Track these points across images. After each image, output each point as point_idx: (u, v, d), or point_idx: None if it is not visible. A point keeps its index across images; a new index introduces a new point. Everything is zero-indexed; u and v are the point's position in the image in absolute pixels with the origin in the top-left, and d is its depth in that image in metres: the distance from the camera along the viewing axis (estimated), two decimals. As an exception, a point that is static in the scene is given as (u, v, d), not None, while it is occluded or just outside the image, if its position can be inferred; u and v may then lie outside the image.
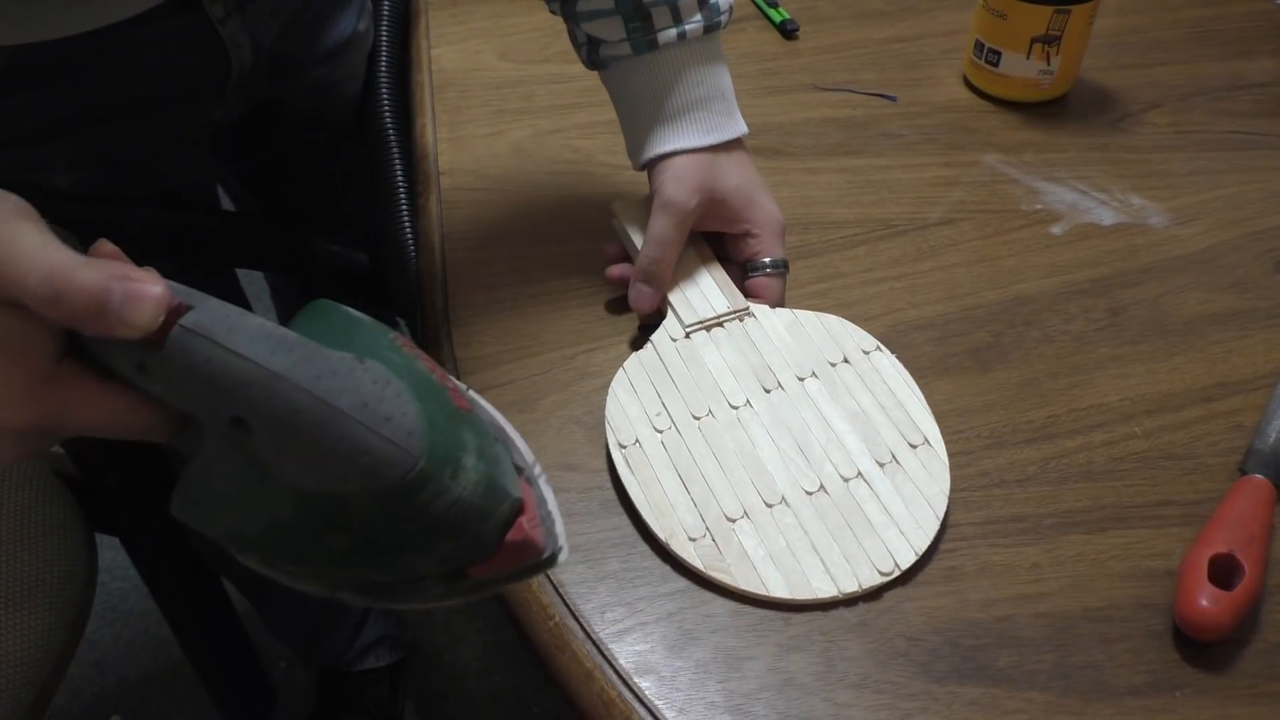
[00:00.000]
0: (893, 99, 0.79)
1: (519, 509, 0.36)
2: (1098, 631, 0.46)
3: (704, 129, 0.59)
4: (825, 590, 0.47)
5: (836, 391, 0.54)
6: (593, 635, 0.46)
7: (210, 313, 0.34)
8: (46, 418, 0.35)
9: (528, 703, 1.26)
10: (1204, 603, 0.45)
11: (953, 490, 0.52)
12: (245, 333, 0.34)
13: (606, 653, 0.46)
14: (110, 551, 0.89)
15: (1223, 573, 0.46)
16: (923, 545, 0.48)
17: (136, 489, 0.90)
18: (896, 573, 0.47)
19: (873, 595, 0.47)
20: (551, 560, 0.38)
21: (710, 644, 0.46)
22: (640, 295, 0.59)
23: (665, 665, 0.45)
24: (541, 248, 0.65)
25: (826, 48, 0.85)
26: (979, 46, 0.78)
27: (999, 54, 0.77)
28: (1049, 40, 0.75)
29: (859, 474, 0.51)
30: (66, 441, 0.90)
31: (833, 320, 0.58)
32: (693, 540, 0.48)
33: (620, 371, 0.55)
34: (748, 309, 0.58)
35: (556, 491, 0.51)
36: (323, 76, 0.80)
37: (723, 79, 0.60)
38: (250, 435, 0.33)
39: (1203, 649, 0.46)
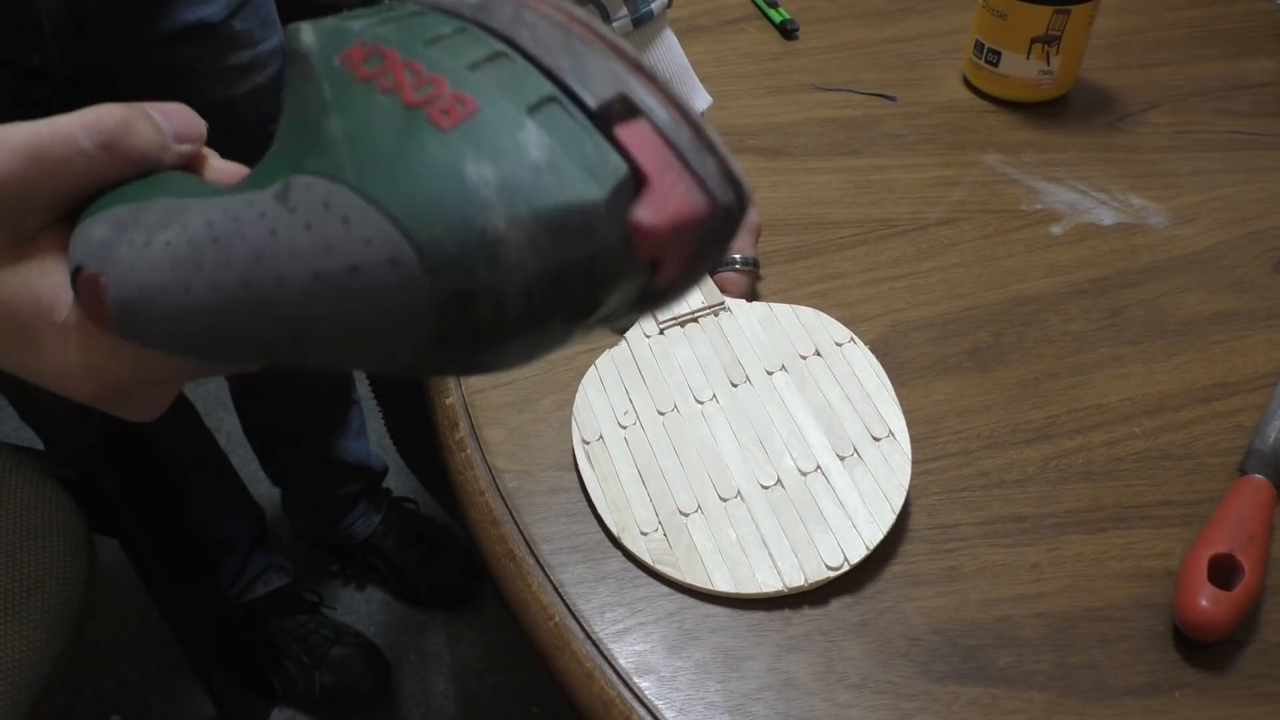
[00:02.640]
0: (893, 99, 0.79)
1: (621, 192, 0.23)
2: (1098, 631, 0.46)
3: None
4: (770, 585, 0.47)
5: (804, 385, 0.54)
6: (593, 635, 0.46)
7: None
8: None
9: (528, 703, 1.26)
10: (1204, 603, 0.45)
11: (953, 490, 0.52)
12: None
13: (606, 653, 0.46)
14: (110, 552, 0.89)
15: (1223, 573, 0.46)
16: (875, 540, 0.48)
17: (135, 490, 0.90)
18: (846, 567, 0.47)
19: (820, 590, 0.47)
20: (732, 211, 0.24)
21: (710, 644, 0.46)
22: None
23: (665, 665, 0.45)
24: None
25: (826, 48, 0.85)
26: (979, 46, 0.78)
27: (999, 54, 0.77)
28: (1049, 40, 0.75)
29: (818, 468, 0.50)
30: (66, 443, 0.90)
31: (808, 313, 0.57)
32: (644, 535, 0.48)
33: (591, 369, 0.55)
34: (723, 304, 0.58)
35: (554, 493, 0.52)
36: (179, 60, 0.80)
37: (673, 62, 0.60)
38: None
39: (1203, 649, 0.46)
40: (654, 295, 0.25)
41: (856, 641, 0.46)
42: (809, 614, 0.47)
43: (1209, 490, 0.52)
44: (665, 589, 0.48)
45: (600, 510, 0.50)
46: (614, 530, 0.49)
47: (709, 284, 0.59)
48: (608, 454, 0.52)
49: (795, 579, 0.47)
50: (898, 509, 0.49)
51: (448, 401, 0.56)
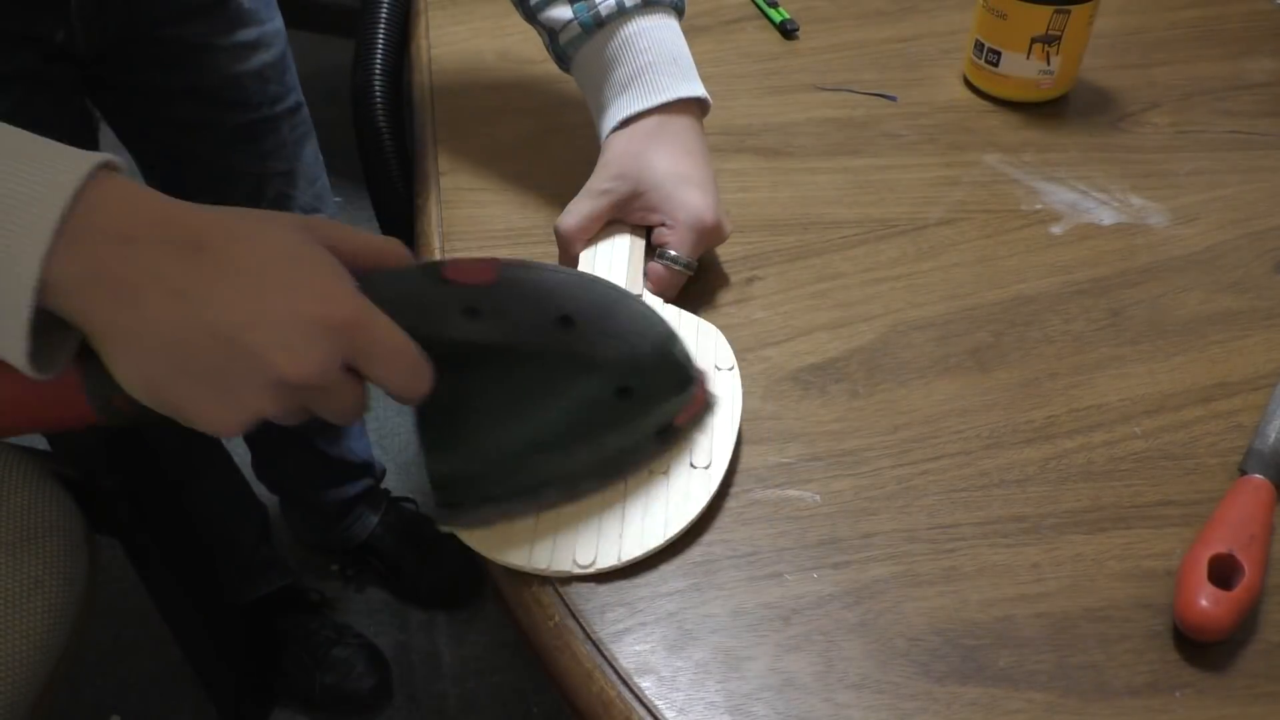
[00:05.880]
0: (893, 99, 0.79)
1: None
2: (1098, 631, 0.46)
3: (650, 91, 0.59)
4: (515, 560, 0.47)
5: None
6: (593, 635, 0.46)
7: (511, 260, 0.47)
8: (358, 327, 0.40)
9: (528, 703, 1.26)
10: (1204, 603, 0.45)
11: (953, 490, 0.52)
12: (541, 263, 0.49)
13: (606, 653, 0.46)
14: (110, 552, 0.89)
15: (1223, 573, 0.46)
16: (629, 555, 0.47)
17: (135, 490, 0.90)
18: (591, 570, 0.47)
19: (563, 581, 0.47)
20: (715, 404, 0.52)
21: (710, 644, 0.46)
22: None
23: (665, 665, 0.45)
24: (541, 248, 0.65)
25: (826, 48, 0.85)
26: (979, 46, 0.78)
27: (999, 54, 0.77)
28: (1049, 40, 0.75)
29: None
30: (66, 443, 0.90)
31: (710, 330, 0.57)
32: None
33: None
34: (640, 298, 0.57)
35: (556, 492, 0.52)
36: (191, 35, 0.83)
37: (675, 46, 0.61)
38: (573, 328, 0.46)
39: (1203, 649, 0.46)
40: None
41: (856, 641, 0.46)
42: (809, 614, 0.47)
43: (1209, 490, 0.52)
44: (665, 589, 0.48)
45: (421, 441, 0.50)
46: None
47: (637, 278, 0.59)
48: None
49: (541, 561, 0.47)
50: (669, 537, 0.48)
51: (448, 401, 0.56)
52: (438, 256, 0.65)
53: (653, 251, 0.60)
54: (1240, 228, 0.68)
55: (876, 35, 0.87)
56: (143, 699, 1.26)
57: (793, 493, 0.52)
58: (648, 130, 0.59)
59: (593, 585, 0.48)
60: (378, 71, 0.78)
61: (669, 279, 0.59)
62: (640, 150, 0.59)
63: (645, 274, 0.59)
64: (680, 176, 0.59)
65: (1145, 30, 0.88)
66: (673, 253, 0.59)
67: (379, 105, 0.78)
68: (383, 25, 0.80)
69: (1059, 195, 0.71)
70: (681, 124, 0.60)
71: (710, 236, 0.60)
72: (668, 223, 0.59)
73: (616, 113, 0.60)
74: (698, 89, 0.61)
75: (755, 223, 0.67)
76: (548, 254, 0.64)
